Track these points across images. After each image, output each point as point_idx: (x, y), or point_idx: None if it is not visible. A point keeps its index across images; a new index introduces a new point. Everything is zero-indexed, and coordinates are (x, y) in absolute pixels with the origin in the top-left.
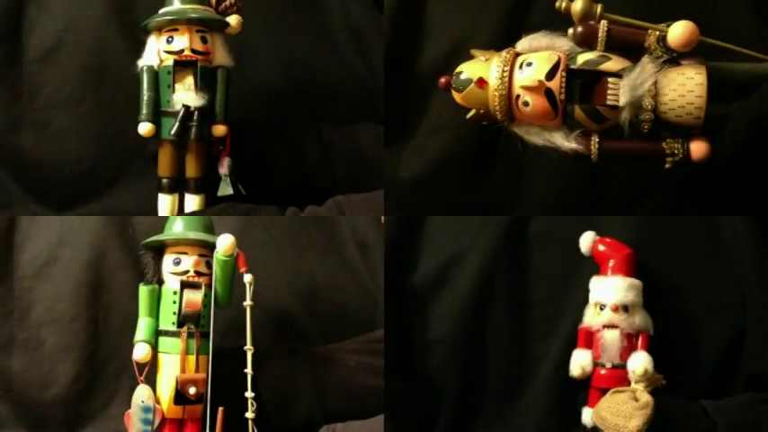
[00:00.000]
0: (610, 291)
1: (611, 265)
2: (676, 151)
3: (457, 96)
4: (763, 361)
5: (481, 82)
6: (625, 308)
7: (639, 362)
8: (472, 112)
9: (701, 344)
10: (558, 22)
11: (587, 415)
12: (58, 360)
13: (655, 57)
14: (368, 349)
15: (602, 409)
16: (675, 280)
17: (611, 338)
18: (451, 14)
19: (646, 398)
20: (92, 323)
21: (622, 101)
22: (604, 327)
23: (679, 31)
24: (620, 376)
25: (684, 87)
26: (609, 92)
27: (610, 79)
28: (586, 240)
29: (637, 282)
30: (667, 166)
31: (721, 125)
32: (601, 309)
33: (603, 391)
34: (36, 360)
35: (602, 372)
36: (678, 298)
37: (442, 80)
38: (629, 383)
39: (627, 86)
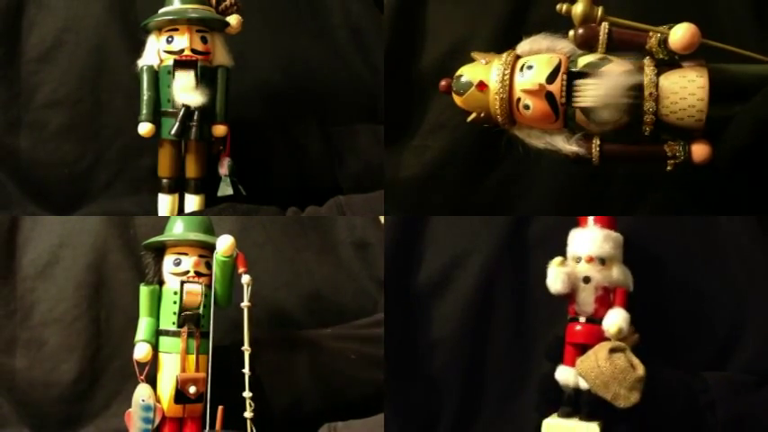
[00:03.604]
0: (585, 242)
1: (591, 218)
2: (678, 154)
3: (458, 100)
4: (764, 361)
5: (482, 85)
6: (601, 260)
7: (614, 321)
8: (473, 116)
9: (700, 344)
10: (558, 23)
11: (565, 373)
12: (61, 360)
13: (653, 59)
14: (367, 335)
15: (603, 372)
16: (675, 280)
17: (586, 290)
18: (452, 14)
19: (642, 369)
20: (93, 323)
21: (590, 102)
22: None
23: (681, 34)
24: (594, 332)
25: (686, 90)
26: (576, 93)
27: (577, 81)
28: None
29: (615, 234)
30: (669, 168)
31: (723, 127)
32: (577, 262)
33: (579, 347)
34: (38, 360)
35: (578, 327)
36: (678, 298)
37: (443, 83)
38: (604, 339)
39: (595, 88)
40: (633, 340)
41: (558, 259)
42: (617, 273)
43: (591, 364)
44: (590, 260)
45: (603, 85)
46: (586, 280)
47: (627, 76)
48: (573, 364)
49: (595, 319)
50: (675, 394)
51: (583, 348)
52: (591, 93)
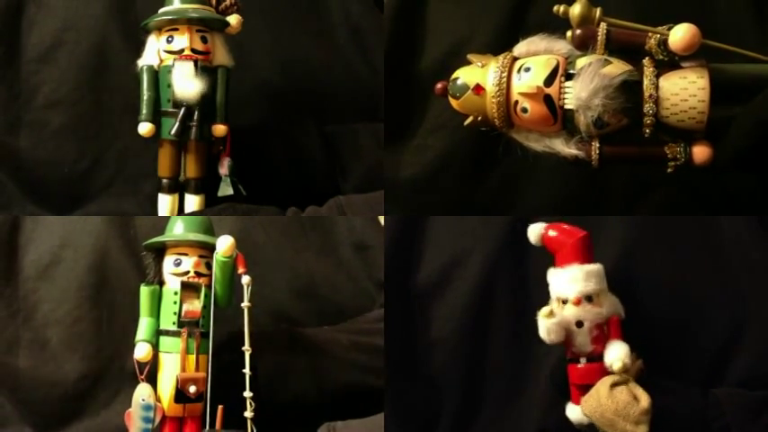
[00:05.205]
0: (568, 283)
1: (564, 253)
2: (678, 155)
3: (454, 103)
4: (765, 362)
5: (478, 88)
6: (588, 298)
7: (617, 356)
8: (470, 119)
9: (700, 345)
10: (558, 22)
11: (576, 413)
12: (63, 359)
13: (652, 60)
14: (366, 330)
15: (606, 411)
16: (675, 280)
17: (581, 333)
18: (452, 14)
19: (646, 401)
20: (95, 323)
21: (574, 104)
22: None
23: (681, 35)
24: (596, 370)
25: (687, 91)
26: (561, 93)
27: (563, 80)
28: (535, 230)
29: (595, 267)
30: (669, 170)
31: (723, 128)
32: (563, 303)
33: (582, 388)
34: (41, 359)
35: (579, 366)
36: (678, 299)
37: (439, 86)
38: (608, 373)
39: (577, 89)
40: (637, 368)
41: (545, 310)
42: (607, 307)
43: (594, 404)
44: (578, 302)
45: (583, 86)
46: (579, 324)
47: (609, 77)
48: (580, 403)
49: (595, 357)
50: (687, 423)
51: (587, 387)
52: (572, 94)
